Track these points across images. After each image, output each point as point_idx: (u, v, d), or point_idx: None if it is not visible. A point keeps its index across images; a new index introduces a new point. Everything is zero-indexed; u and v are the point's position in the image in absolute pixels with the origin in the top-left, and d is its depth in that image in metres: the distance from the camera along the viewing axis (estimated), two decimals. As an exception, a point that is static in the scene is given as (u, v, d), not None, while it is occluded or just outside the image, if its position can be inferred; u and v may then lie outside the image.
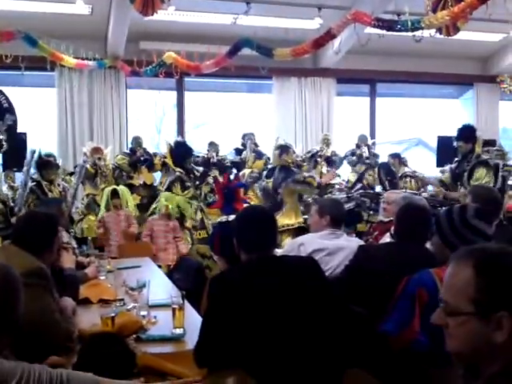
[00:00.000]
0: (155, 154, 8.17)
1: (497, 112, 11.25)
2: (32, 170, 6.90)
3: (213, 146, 8.46)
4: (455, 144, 6.59)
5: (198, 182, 7.65)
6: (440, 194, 6.52)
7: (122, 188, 6.91)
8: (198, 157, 8.15)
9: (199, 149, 8.69)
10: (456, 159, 6.81)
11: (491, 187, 5.34)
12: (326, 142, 9.08)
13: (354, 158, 8.93)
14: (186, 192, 7.40)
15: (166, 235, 6.48)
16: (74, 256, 4.90)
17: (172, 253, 6.44)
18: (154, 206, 7.22)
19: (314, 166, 8.85)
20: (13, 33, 6.88)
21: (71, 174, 7.62)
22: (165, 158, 7.76)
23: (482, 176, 6.07)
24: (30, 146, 7.09)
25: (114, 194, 6.67)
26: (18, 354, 1.87)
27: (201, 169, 7.81)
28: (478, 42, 9.73)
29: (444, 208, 2.79)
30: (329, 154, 8.99)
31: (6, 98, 6.76)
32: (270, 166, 7.86)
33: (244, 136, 8.93)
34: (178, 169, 7.49)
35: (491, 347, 1.28)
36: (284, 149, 7.48)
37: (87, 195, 7.58)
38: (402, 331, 2.46)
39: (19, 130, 7.43)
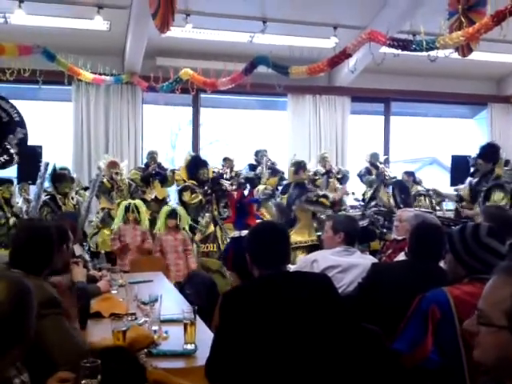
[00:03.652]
0: (173, 171, 8.20)
1: (511, 132, 11.20)
2: (46, 184, 6.96)
3: (227, 161, 8.45)
4: (474, 163, 6.53)
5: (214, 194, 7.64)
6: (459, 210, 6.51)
7: (138, 203, 6.90)
8: (213, 172, 8.15)
9: (213, 165, 8.69)
10: (469, 178, 6.77)
11: (503, 207, 5.31)
12: (325, 159, 9.07)
13: (373, 177, 8.87)
14: (193, 196, 7.45)
15: (176, 249, 6.44)
16: (86, 269, 4.93)
17: (183, 268, 6.41)
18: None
19: (327, 185, 8.86)
20: (31, 47, 6.99)
21: (86, 188, 7.66)
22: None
23: (499, 199, 6.03)
24: (45, 160, 7.15)
25: (131, 208, 6.68)
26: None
27: (227, 183, 7.78)
28: (493, 63, 9.72)
29: (457, 226, 2.76)
30: (336, 170, 9.01)
31: (18, 112, 6.76)
32: (284, 183, 7.87)
33: (257, 153, 8.95)
34: (191, 181, 7.56)
35: None
36: (300, 166, 7.50)
37: (102, 209, 7.60)
38: (414, 349, 2.44)
39: (35, 143, 7.51)
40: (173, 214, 6.57)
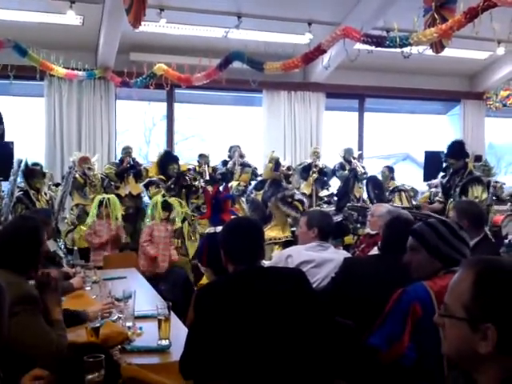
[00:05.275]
0: (146, 169, 8.16)
1: (483, 128, 11.38)
2: (19, 180, 6.87)
3: (203, 157, 8.44)
4: (446, 162, 6.64)
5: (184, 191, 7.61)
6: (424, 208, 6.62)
7: (112, 198, 6.84)
8: (189, 169, 8.10)
9: (188, 160, 8.68)
10: (442, 174, 6.87)
11: (475, 202, 5.41)
12: (316, 154, 9.15)
13: (346, 172, 8.95)
14: (156, 190, 7.40)
15: (165, 240, 6.40)
16: (60, 266, 4.89)
17: (168, 260, 6.41)
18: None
19: (306, 178, 8.92)
20: (2, 42, 6.88)
21: (57, 184, 7.57)
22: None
23: (479, 193, 6.14)
24: (17, 156, 7.06)
25: (105, 203, 6.63)
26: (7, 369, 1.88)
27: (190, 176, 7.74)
28: (466, 60, 9.86)
29: (420, 223, 2.80)
30: (321, 166, 9.07)
31: (-4, 108, 6.62)
32: (259, 179, 7.87)
33: (230, 148, 8.96)
34: (160, 176, 7.52)
35: (476, 356, 1.31)
36: (279, 164, 7.54)
37: (76, 205, 7.52)
38: (390, 346, 2.46)
39: (7, 139, 7.40)
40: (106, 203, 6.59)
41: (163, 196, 7.07)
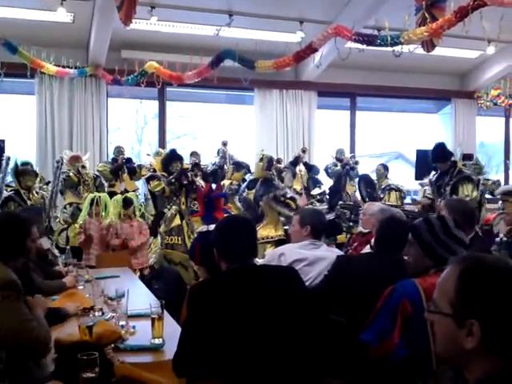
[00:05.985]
0: (140, 166, 8.13)
1: (474, 127, 11.44)
2: (9, 178, 6.85)
3: (194, 155, 8.44)
4: (435, 167, 6.71)
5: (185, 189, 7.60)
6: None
7: (104, 196, 6.82)
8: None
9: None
10: (433, 173, 6.92)
11: (466, 200, 5.45)
12: (303, 150, 9.23)
13: (338, 167, 8.99)
14: (156, 183, 7.39)
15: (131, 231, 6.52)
16: (55, 264, 4.88)
17: (141, 255, 6.44)
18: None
19: (294, 175, 8.95)
20: (-8, 39, 6.85)
21: (49, 183, 7.54)
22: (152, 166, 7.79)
23: (469, 191, 6.19)
24: (7, 153, 7.03)
25: (97, 201, 6.63)
26: None
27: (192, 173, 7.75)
28: (456, 59, 9.91)
29: (418, 220, 2.82)
30: (306, 160, 9.13)
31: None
32: (251, 177, 7.88)
33: (218, 151, 8.98)
34: (162, 172, 7.51)
35: (463, 353, 1.33)
36: (270, 163, 7.55)
37: (70, 204, 7.48)
38: (381, 342, 2.48)
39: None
40: (97, 201, 6.60)
41: (163, 189, 7.09)
